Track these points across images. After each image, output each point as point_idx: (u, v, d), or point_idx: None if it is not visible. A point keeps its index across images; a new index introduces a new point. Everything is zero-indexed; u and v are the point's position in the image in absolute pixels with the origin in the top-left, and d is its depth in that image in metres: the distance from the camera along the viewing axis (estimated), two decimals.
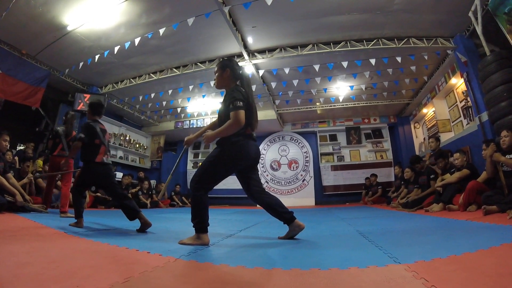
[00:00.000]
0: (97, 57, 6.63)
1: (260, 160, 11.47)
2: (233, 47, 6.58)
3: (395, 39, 6.35)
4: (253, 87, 7.88)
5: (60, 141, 5.20)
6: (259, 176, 2.62)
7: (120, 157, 10.64)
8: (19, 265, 1.46)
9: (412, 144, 10.40)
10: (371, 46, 6.32)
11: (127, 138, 11.04)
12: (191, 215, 2.29)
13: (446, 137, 7.63)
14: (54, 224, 3.24)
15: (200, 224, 2.26)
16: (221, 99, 9.17)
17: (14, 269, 1.39)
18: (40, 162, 6.65)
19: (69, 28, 5.76)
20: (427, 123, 9.54)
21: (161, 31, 5.71)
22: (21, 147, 7.69)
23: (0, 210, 3.81)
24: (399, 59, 6.63)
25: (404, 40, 6.30)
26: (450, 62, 6.82)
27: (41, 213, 4.48)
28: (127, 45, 6.14)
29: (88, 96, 8.25)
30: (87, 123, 3.41)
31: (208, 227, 2.31)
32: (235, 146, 2.33)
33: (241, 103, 2.28)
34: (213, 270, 1.50)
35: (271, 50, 6.73)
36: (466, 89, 6.40)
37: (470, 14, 5.20)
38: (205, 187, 2.31)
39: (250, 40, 6.33)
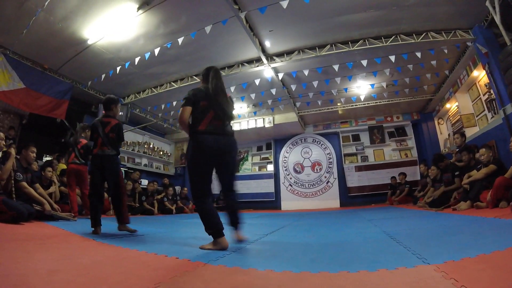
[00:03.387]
0: (118, 68, 6.79)
1: (283, 163, 11.54)
2: (251, 52, 6.60)
3: (413, 34, 6.18)
4: (273, 91, 8.01)
5: (73, 150, 5.66)
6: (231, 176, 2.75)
7: (145, 165, 10.88)
8: (50, 272, 1.48)
9: (436, 141, 10.05)
10: (389, 42, 6.18)
11: (151, 146, 11.29)
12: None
13: (471, 132, 7.33)
14: (82, 232, 3.30)
15: (213, 229, 2.29)
16: (240, 103, 9.30)
17: (45, 276, 1.41)
18: (62, 165, 6.81)
19: (89, 42, 5.93)
20: (451, 118, 9.20)
21: (180, 40, 5.79)
22: (47, 158, 7.94)
23: (29, 219, 3.89)
24: (418, 54, 6.45)
25: (423, 35, 6.13)
26: (470, 54, 6.57)
27: (69, 221, 4.59)
28: (147, 55, 6.27)
29: None
30: (91, 124, 3.82)
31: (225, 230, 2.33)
32: (192, 144, 2.46)
33: (185, 101, 2.50)
34: (242, 275, 1.49)
35: (289, 52, 6.69)
36: (488, 81, 6.16)
37: (487, 3, 4.98)
38: (199, 194, 2.41)
39: (268, 44, 6.33)
